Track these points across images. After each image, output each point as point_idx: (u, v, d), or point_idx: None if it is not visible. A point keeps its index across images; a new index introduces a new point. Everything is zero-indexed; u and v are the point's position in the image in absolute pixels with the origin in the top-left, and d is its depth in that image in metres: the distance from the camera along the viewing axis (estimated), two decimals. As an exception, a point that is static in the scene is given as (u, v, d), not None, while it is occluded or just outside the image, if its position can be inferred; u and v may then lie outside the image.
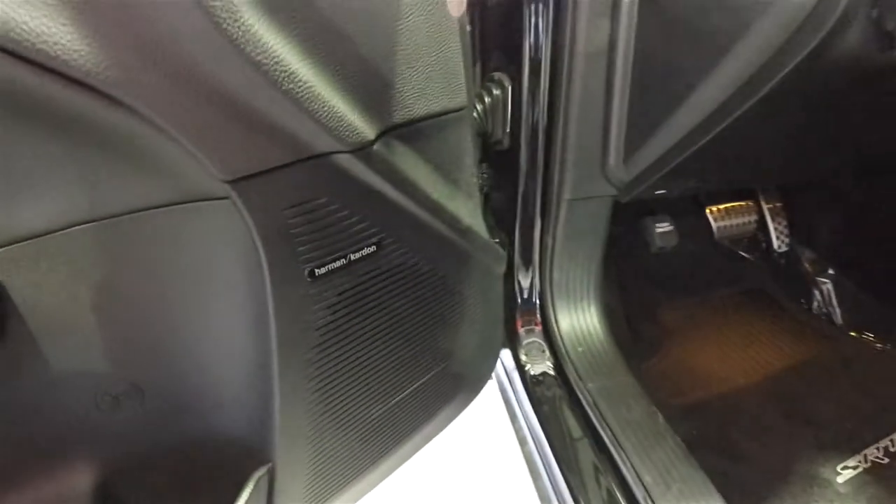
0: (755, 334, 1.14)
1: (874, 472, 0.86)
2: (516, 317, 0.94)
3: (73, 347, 0.46)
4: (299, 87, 0.38)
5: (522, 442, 0.86)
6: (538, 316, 0.96)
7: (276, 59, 0.36)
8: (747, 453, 0.88)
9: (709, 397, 0.99)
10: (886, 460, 0.88)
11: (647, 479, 0.71)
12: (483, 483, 0.88)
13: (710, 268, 1.25)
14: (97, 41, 0.31)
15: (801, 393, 0.99)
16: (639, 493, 0.70)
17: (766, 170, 0.99)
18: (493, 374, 0.93)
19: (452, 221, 0.61)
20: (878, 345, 1.09)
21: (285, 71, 0.37)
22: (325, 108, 0.41)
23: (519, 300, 0.93)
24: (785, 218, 1.33)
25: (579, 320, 0.94)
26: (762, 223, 1.31)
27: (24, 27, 0.29)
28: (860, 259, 1.20)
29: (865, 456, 0.88)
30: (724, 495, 0.71)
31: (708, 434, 0.90)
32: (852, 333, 1.14)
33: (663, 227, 1.10)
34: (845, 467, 0.86)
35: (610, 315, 0.95)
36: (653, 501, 0.69)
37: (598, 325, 0.94)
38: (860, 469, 0.86)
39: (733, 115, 0.67)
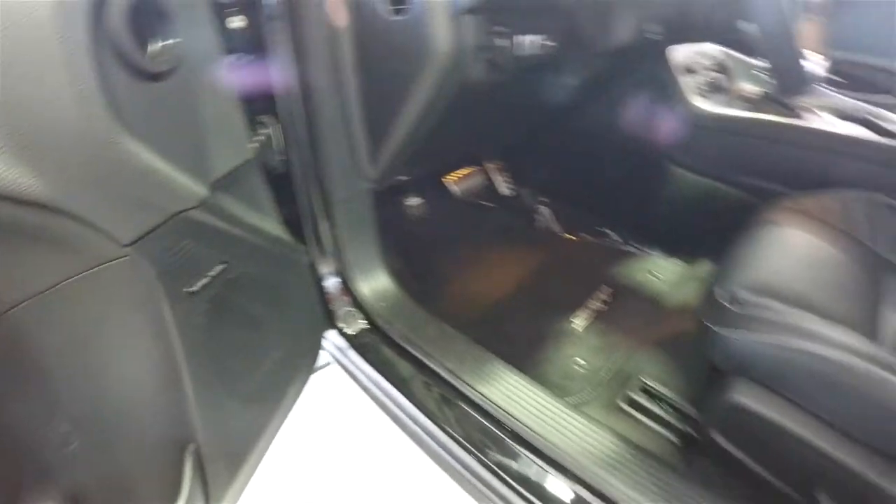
0: (506, 254, 1.52)
1: (597, 316, 1.29)
2: (330, 298, 1.18)
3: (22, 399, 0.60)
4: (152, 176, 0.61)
5: (365, 389, 1.11)
6: (345, 291, 1.20)
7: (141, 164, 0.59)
8: (513, 332, 1.25)
9: (484, 305, 1.34)
10: (603, 307, 1.32)
11: (450, 366, 1.00)
12: (348, 427, 1.12)
13: (462, 219, 1.62)
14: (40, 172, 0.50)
15: (541, 282, 1.40)
16: (447, 375, 0.99)
17: (459, 152, 1.37)
18: (328, 348, 1.15)
19: (265, 235, 0.85)
20: (573, 237, 1.57)
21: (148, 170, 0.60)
22: (172, 184, 0.65)
23: (328, 284, 1.17)
24: (505, 172, 1.77)
25: (376, 284, 1.20)
26: (489, 179, 1.74)
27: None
28: (559, 189, 1.69)
29: (587, 307, 1.31)
30: (505, 359, 1.04)
31: (487, 329, 1.24)
32: (566, 235, 1.61)
33: (413, 201, 1.44)
34: (576, 317, 1.28)
35: (398, 274, 1.24)
36: (458, 377, 0.98)
37: (390, 284, 1.20)
38: (586, 316, 1.29)
39: (428, 122, 1.00)
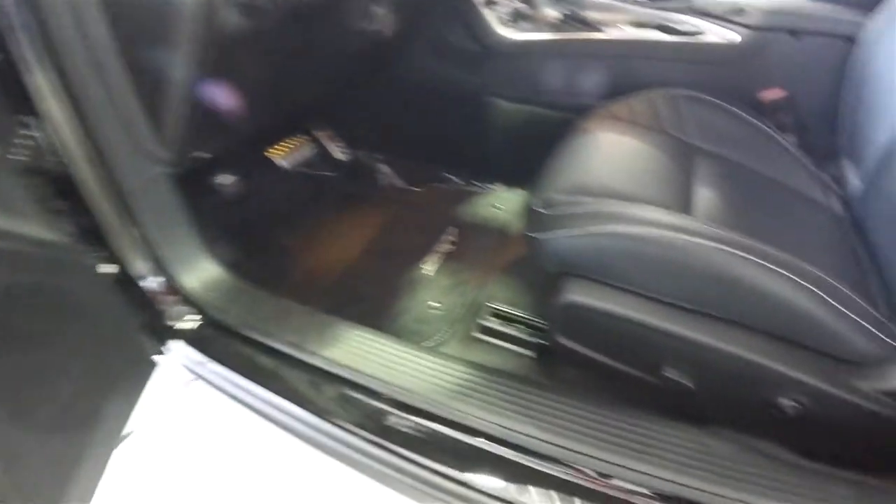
0: (350, 219, 1.46)
1: (446, 257, 1.28)
2: (154, 298, 1.05)
3: None
4: None
5: (213, 384, 1.01)
6: (170, 289, 1.09)
7: None
8: (366, 291, 1.21)
9: (334, 272, 1.28)
10: (451, 247, 1.31)
11: (292, 339, 0.94)
12: (205, 424, 1.02)
13: (296, 192, 1.53)
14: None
15: (388, 238, 1.36)
16: (289, 349, 0.92)
17: (263, 120, 1.28)
18: (165, 351, 1.04)
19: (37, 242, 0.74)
20: (418, 189, 1.55)
21: None
22: None
23: (148, 284, 1.04)
24: (338, 138, 1.70)
25: (203, 274, 1.09)
26: (322, 147, 1.66)
27: None
28: (393, 144, 1.64)
29: (436, 251, 1.29)
30: (360, 318, 0.99)
31: (340, 294, 1.19)
32: (413, 188, 1.58)
33: (226, 180, 1.33)
34: (426, 263, 1.26)
35: (231, 259, 1.14)
36: (300, 348, 0.91)
37: (219, 271, 1.10)
38: (436, 260, 1.27)
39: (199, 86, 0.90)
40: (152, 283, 1.05)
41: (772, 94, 1.20)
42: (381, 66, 1.44)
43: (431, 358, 0.90)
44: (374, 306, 1.17)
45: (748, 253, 0.73)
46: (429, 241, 1.33)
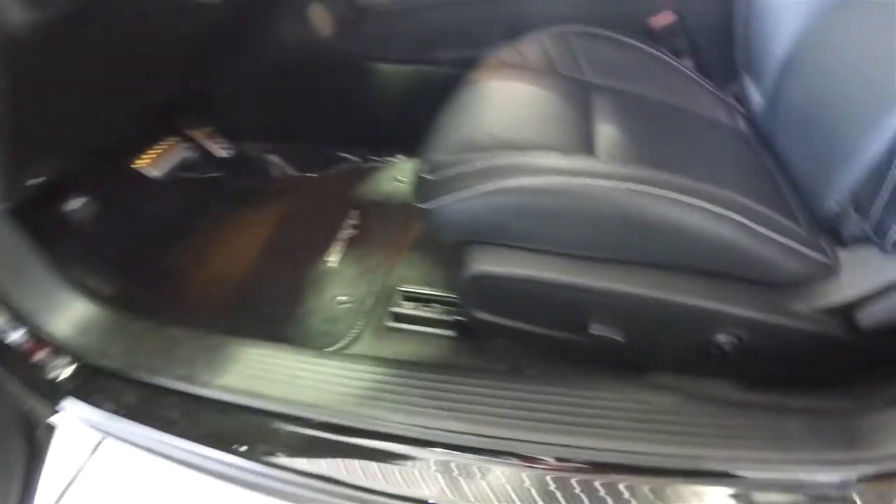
0: (242, 219, 1.30)
1: (349, 244, 1.15)
2: (22, 353, 0.88)
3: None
4: None
5: (110, 434, 0.85)
6: (38, 341, 0.91)
7: None
8: (267, 298, 1.07)
9: (229, 283, 1.13)
10: (354, 231, 1.18)
11: (181, 372, 0.79)
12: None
13: (175, 202, 1.35)
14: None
15: (287, 234, 1.22)
16: (179, 384, 0.78)
17: (106, 124, 1.10)
18: (68, 415, 0.87)
19: None
20: (313, 175, 1.40)
21: None
22: None
23: (11, 339, 0.86)
24: (217, 134, 1.51)
25: (75, 316, 0.92)
26: (199, 146, 1.48)
27: None
28: (279, 130, 1.48)
29: (338, 239, 1.17)
30: (262, 331, 0.86)
31: (238, 306, 1.05)
32: (307, 174, 1.43)
33: (75, 204, 1.13)
34: (329, 254, 1.14)
35: (104, 293, 0.97)
36: (191, 380, 0.77)
37: (93, 309, 0.94)
38: (339, 248, 1.15)
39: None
40: (16, 336, 0.87)
41: (662, 20, 1.14)
42: (235, 44, 1.27)
43: (338, 363, 0.78)
44: (278, 313, 1.04)
45: (660, 188, 0.65)
46: (330, 229, 1.20)
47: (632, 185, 0.65)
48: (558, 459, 0.62)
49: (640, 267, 0.69)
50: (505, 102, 0.87)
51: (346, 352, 0.92)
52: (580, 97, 0.93)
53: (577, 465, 0.62)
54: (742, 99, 1.04)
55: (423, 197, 0.73)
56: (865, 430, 0.63)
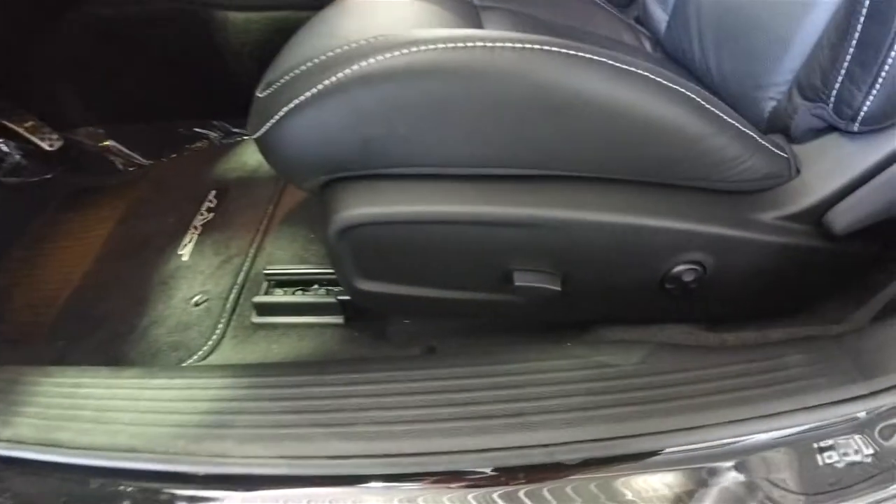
0: (81, 220, 1.04)
1: (203, 230, 0.91)
2: None
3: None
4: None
5: None
6: None
7: None
8: (107, 312, 0.81)
9: (62, 297, 0.86)
10: (209, 216, 0.94)
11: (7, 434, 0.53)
12: None
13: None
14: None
15: (129, 233, 0.96)
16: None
17: None
18: None
19: None
20: (164, 160, 1.14)
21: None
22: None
23: None
24: (42, 125, 1.21)
25: None
26: (23, 140, 1.17)
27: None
28: (115, 110, 1.19)
29: (192, 227, 0.92)
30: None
31: (74, 327, 0.79)
32: (157, 160, 1.16)
33: None
34: (183, 247, 0.89)
35: None
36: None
37: None
38: (192, 238, 0.90)
39: None
40: None
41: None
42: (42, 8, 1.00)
43: (183, 382, 0.56)
44: (119, 329, 0.79)
45: (582, 52, 0.46)
46: (183, 218, 0.94)
47: (550, 48, 0.45)
48: (499, 470, 0.43)
49: (568, 183, 0.51)
50: (371, 15, 0.67)
51: (200, 364, 0.68)
52: (468, 15, 0.75)
53: (528, 472, 0.43)
54: (645, 22, 0.90)
55: (254, 125, 0.51)
56: (873, 353, 0.49)
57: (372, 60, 0.44)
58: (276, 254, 0.81)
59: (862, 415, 0.46)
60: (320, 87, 0.45)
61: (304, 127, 0.47)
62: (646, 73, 0.46)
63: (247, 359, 0.67)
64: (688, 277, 0.56)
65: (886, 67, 0.48)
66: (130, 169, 1.14)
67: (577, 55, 0.44)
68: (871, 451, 0.48)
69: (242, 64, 1.09)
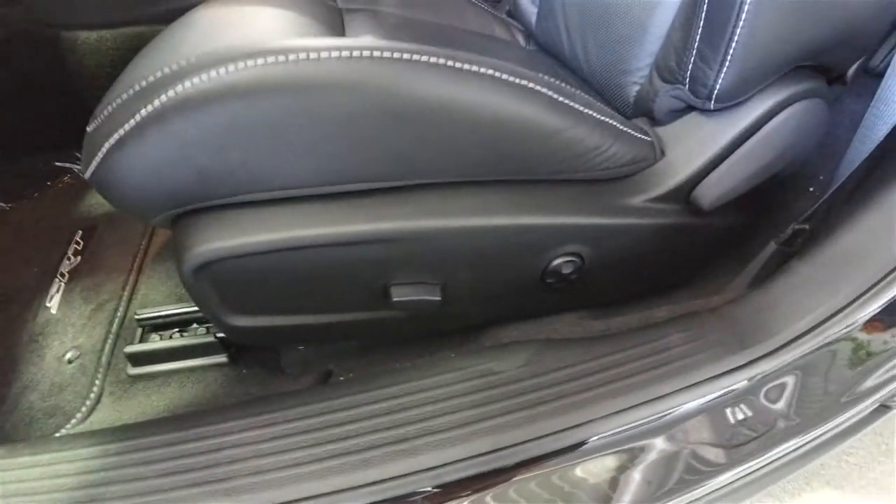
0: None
1: (71, 277, 0.82)
2: None
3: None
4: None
5: None
6: None
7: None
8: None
9: None
10: (76, 260, 0.85)
11: None
12: None
13: None
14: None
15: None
16: None
17: None
18: None
19: None
20: (24, 200, 1.02)
21: None
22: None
23: None
24: None
25: None
26: None
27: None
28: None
29: (58, 273, 0.83)
30: None
31: None
32: (15, 201, 1.05)
33: None
34: (51, 297, 0.80)
35: None
36: None
37: None
38: (59, 286, 0.81)
39: None
40: None
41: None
42: None
43: (42, 465, 0.50)
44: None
45: (424, 55, 0.44)
46: (49, 266, 0.85)
47: (375, 53, 0.42)
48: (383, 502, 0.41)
49: (433, 190, 0.49)
50: (219, 27, 0.62)
51: (71, 433, 0.62)
52: (330, 20, 0.71)
53: (413, 499, 0.41)
54: (516, 16, 0.90)
55: (84, 163, 0.46)
56: (750, 320, 0.51)
57: (188, 84, 0.40)
58: (150, 295, 0.75)
59: (743, 384, 0.48)
60: (138, 117, 0.41)
61: (130, 162, 0.43)
62: (490, 72, 0.45)
63: (125, 417, 0.61)
64: (567, 269, 0.55)
65: (734, 44, 0.49)
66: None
67: (410, 59, 0.42)
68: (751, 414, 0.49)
69: (100, 87, 1.00)
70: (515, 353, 0.49)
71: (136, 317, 0.68)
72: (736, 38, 0.49)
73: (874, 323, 0.48)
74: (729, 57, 0.50)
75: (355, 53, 0.40)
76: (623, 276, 0.61)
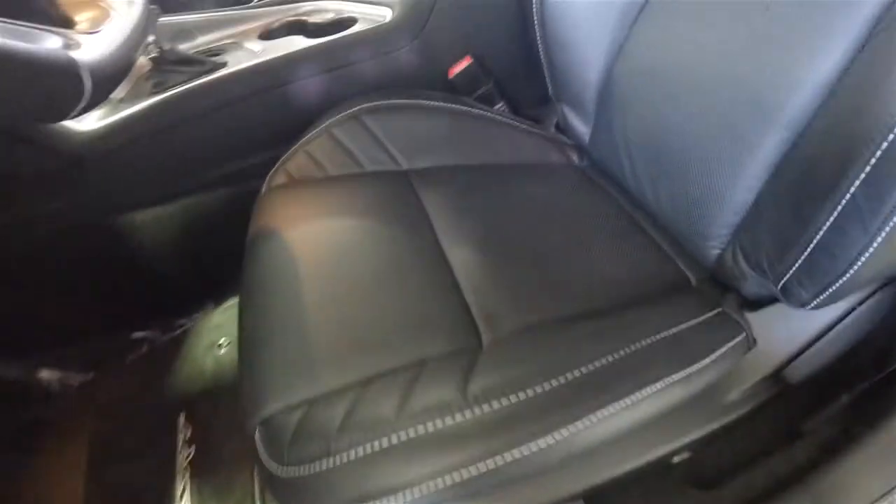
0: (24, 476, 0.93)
1: (191, 475, 0.87)
2: None
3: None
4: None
5: None
6: None
7: None
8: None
9: None
10: (191, 452, 0.89)
11: None
12: None
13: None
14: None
15: (99, 488, 0.89)
16: None
17: None
18: None
19: None
20: (103, 378, 1.04)
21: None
22: None
23: None
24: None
25: None
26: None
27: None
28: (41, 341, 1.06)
29: (179, 474, 0.87)
30: None
31: None
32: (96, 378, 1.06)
33: None
34: (180, 496, 0.84)
35: None
36: None
37: None
38: (185, 490, 0.86)
39: None
40: None
41: (458, 67, 0.97)
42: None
43: None
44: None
45: None
46: (163, 458, 0.89)
47: None
48: None
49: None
50: (327, 284, 0.65)
51: None
52: (405, 198, 0.78)
53: None
54: (565, 129, 0.93)
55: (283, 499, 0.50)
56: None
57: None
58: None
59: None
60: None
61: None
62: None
63: None
64: (683, 461, 0.63)
65: (859, 264, 0.46)
66: (67, 395, 1.03)
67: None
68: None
69: (161, 258, 1.02)
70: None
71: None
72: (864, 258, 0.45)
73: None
74: (846, 277, 0.47)
75: None
76: (727, 453, 0.68)
